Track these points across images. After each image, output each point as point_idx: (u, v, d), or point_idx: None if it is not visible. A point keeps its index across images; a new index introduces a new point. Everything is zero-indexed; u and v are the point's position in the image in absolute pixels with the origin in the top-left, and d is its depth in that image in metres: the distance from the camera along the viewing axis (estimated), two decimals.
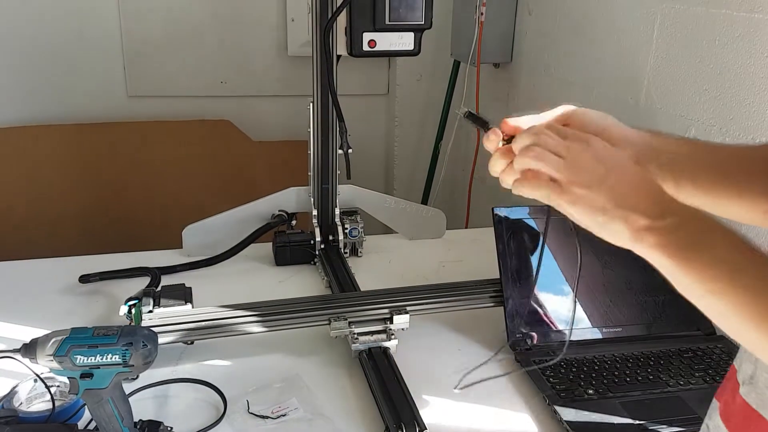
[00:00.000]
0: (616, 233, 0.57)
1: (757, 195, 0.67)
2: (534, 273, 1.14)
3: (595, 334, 1.12)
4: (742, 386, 0.63)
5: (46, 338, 0.80)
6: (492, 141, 0.66)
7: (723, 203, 0.68)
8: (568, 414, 0.93)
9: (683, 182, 0.66)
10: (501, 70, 2.11)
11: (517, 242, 1.14)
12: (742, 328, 0.51)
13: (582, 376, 1.02)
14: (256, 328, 1.05)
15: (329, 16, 1.23)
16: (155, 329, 0.96)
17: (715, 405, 0.67)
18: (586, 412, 0.95)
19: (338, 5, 1.21)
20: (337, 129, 1.33)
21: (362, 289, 1.26)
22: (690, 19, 1.31)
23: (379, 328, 1.07)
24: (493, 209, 1.16)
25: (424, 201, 2.44)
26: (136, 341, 0.80)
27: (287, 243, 1.40)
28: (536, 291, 1.13)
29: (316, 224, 1.43)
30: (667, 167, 0.66)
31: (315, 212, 1.43)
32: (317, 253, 1.40)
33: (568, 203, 0.58)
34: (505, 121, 0.66)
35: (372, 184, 1.75)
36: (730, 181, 0.67)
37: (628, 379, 1.02)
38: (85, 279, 1.27)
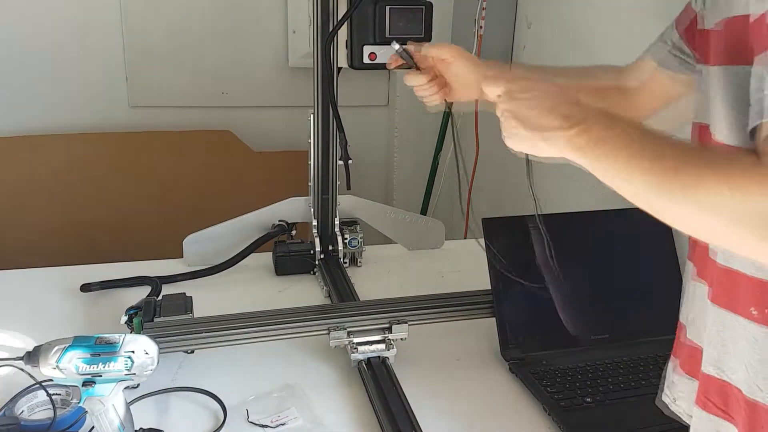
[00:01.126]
0: (555, 144, 0.66)
1: None
2: (526, 283, 1.15)
3: (584, 341, 1.13)
4: (688, 330, 0.79)
5: (49, 346, 0.81)
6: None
7: None
8: (571, 423, 0.94)
9: None
10: None
11: (507, 253, 1.15)
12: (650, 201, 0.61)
13: (577, 384, 1.03)
14: (256, 338, 1.06)
15: (330, 29, 1.25)
16: (156, 338, 0.97)
17: (675, 361, 0.83)
18: (588, 420, 0.95)
19: (339, 18, 1.23)
20: (338, 140, 1.34)
21: (361, 299, 1.27)
22: None
23: (378, 338, 1.08)
24: (483, 220, 1.17)
25: (424, 211, 2.46)
26: (137, 350, 0.81)
27: (287, 253, 1.41)
28: (528, 300, 1.14)
29: (315, 234, 1.44)
30: None
31: (315, 222, 1.44)
32: (317, 263, 1.41)
33: (513, 122, 0.69)
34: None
35: (372, 194, 1.76)
36: None
37: (622, 384, 1.03)
38: (86, 288, 1.28)
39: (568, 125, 0.65)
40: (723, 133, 0.68)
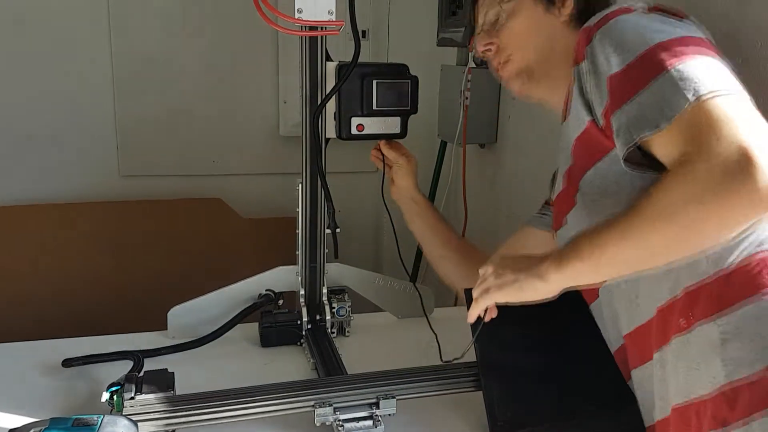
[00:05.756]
0: (533, 286, 0.85)
1: None
2: (512, 358, 1.13)
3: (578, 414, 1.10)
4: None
5: (25, 429, 0.79)
6: None
7: None
8: None
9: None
10: (486, 150, 2.17)
11: (492, 325, 1.14)
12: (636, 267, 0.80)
13: None
14: (239, 416, 1.03)
15: (319, 101, 1.27)
16: (137, 417, 0.95)
17: None
18: None
19: (328, 91, 1.26)
20: (326, 209, 1.35)
21: (349, 370, 1.25)
22: None
23: (365, 414, 1.05)
24: (465, 291, 1.16)
25: (413, 278, 2.44)
26: None
27: (273, 324, 1.39)
28: (516, 374, 1.12)
29: (303, 304, 1.42)
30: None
31: (302, 291, 1.43)
32: (304, 333, 1.40)
33: (497, 292, 0.90)
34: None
35: (361, 261, 1.76)
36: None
37: None
38: (68, 363, 1.26)
39: (539, 261, 0.84)
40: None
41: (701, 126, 0.71)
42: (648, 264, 0.78)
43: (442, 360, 1.21)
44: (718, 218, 0.69)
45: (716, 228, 0.71)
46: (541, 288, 0.83)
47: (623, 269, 0.80)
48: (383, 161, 1.41)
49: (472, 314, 0.97)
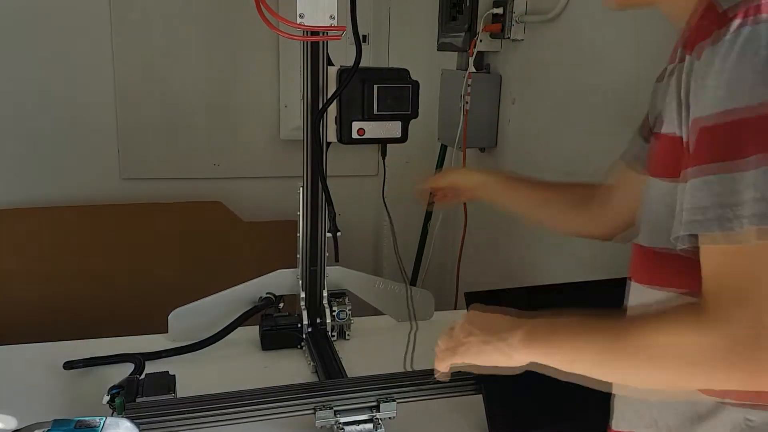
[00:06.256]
0: (495, 360, 0.79)
1: None
2: None
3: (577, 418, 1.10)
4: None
5: (28, 430, 0.80)
6: None
7: None
8: None
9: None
10: (486, 154, 2.18)
11: None
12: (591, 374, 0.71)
13: None
14: (240, 419, 1.03)
15: (320, 105, 1.28)
16: (138, 420, 0.95)
17: None
18: None
19: (329, 96, 1.26)
20: (326, 212, 1.36)
21: (349, 373, 1.25)
22: None
23: (366, 417, 1.06)
24: (465, 294, 1.16)
25: (413, 281, 2.45)
26: None
27: (274, 327, 1.40)
28: (517, 380, 1.12)
29: (303, 307, 1.43)
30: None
31: (303, 294, 1.44)
32: (304, 336, 1.40)
33: (459, 357, 0.83)
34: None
35: (361, 264, 1.76)
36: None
37: None
38: (69, 366, 1.26)
39: (510, 331, 0.77)
40: (644, 237, 0.78)
41: (744, 274, 0.57)
42: (621, 387, 0.75)
43: (406, 368, 1.17)
44: (711, 385, 0.64)
45: (706, 387, 0.65)
46: (504, 363, 0.78)
47: (593, 378, 0.72)
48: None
49: (438, 368, 0.91)
